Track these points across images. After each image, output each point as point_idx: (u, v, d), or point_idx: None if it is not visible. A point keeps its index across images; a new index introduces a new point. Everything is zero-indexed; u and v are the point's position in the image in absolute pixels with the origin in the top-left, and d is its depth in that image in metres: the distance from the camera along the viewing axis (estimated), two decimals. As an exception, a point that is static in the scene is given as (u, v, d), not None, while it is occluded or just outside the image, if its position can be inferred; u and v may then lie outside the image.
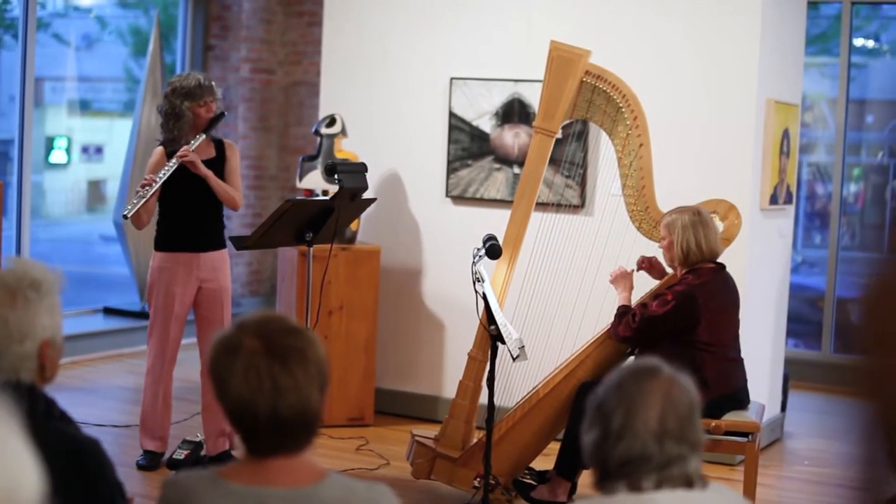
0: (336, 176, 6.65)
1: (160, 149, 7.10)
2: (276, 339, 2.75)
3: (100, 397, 8.74)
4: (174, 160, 6.86)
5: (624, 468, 2.65)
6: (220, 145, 7.19)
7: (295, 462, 2.79)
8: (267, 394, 2.71)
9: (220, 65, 11.54)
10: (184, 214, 7.06)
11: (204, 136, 7.01)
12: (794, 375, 9.31)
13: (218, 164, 7.11)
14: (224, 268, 7.19)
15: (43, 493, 1.84)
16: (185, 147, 6.90)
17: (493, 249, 6.40)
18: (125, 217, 6.80)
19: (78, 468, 3.00)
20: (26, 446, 1.84)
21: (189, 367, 7.88)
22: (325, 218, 6.66)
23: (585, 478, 6.64)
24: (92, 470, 3.05)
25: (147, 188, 6.79)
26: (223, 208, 7.15)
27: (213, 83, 7.12)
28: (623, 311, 6.48)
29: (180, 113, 6.99)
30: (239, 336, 2.77)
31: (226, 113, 7.24)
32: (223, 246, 7.19)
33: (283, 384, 2.72)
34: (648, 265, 6.84)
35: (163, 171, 6.85)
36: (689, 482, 2.68)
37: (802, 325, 11.29)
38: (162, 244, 7.13)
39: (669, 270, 6.73)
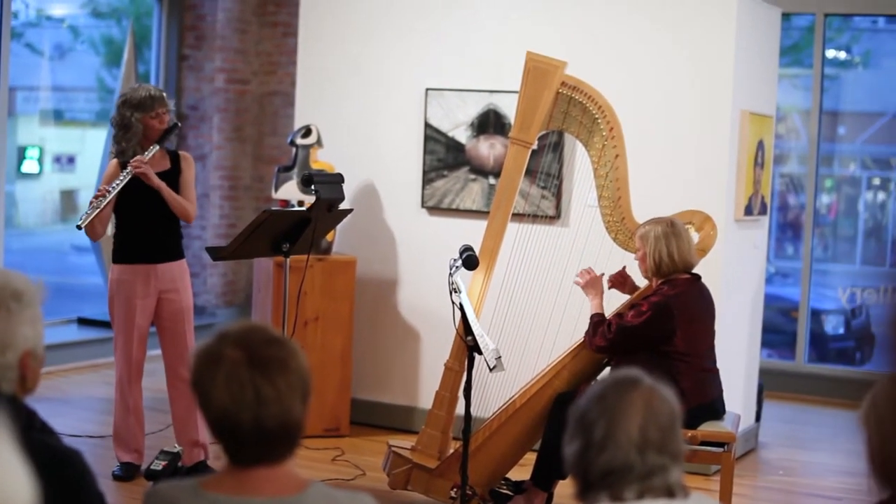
0: (313, 186, 6.65)
1: (114, 161, 7.08)
2: (258, 350, 2.74)
3: (74, 408, 8.72)
4: (127, 170, 6.84)
5: (606, 479, 2.65)
6: (175, 157, 7.17)
7: (277, 472, 2.79)
8: (249, 405, 2.70)
9: (194, 75, 11.52)
10: (140, 226, 7.03)
11: (157, 148, 6.99)
12: (768, 385, 9.35)
13: (173, 175, 7.08)
14: (184, 279, 7.17)
15: (35, 501, 1.84)
16: (138, 158, 6.88)
17: (469, 260, 6.40)
18: (78, 227, 6.78)
19: (60, 479, 2.98)
20: (18, 456, 1.84)
21: (160, 377, 7.84)
22: (301, 228, 6.66)
23: (562, 488, 6.65)
24: (74, 481, 3.03)
25: (100, 199, 6.78)
26: (180, 219, 7.12)
27: (164, 94, 7.10)
28: (598, 321, 6.49)
29: (129, 124, 6.96)
30: (220, 346, 2.75)
31: (179, 124, 7.21)
32: (181, 256, 7.18)
33: (265, 395, 2.70)
34: (620, 280, 6.85)
35: (116, 182, 6.83)
36: (670, 492, 2.68)
37: (776, 335, 11.33)
38: (119, 256, 7.11)
39: (641, 285, 6.75)
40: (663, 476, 2.67)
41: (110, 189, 6.81)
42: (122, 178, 6.84)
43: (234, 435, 2.74)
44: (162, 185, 6.92)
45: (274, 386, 2.71)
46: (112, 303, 7.11)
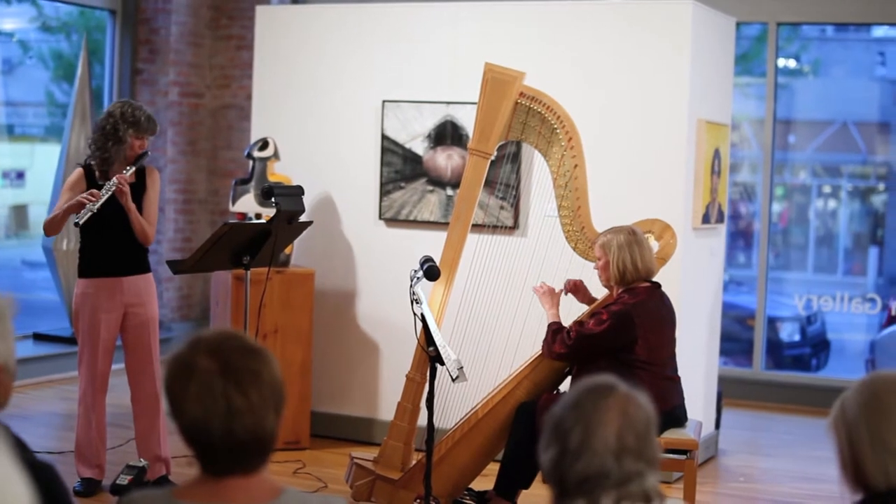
0: (273, 199, 6.63)
1: (80, 170, 7.04)
2: (232, 360, 2.71)
3: (33, 424, 8.66)
4: (111, 183, 6.79)
5: (582, 486, 2.65)
6: (140, 172, 7.13)
7: (251, 480, 2.78)
8: (221, 416, 2.68)
9: (148, 88, 11.48)
10: (106, 240, 6.99)
11: (133, 170, 6.96)
12: (726, 393, 9.40)
13: (137, 191, 7.05)
14: (150, 293, 7.15)
15: None
16: (122, 175, 6.84)
17: (431, 271, 6.40)
18: (76, 225, 6.72)
19: (34, 493, 2.97)
20: (14, 464, 1.84)
21: (122, 392, 7.80)
22: (261, 241, 6.65)
23: (525, 498, 6.66)
24: (49, 494, 3.02)
25: (92, 203, 6.70)
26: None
27: (157, 125, 7.12)
28: (556, 328, 6.51)
29: (122, 139, 6.93)
30: (193, 355, 2.73)
31: (149, 153, 7.17)
32: (147, 270, 7.15)
33: (237, 407, 2.68)
34: (574, 288, 6.86)
35: (105, 190, 6.77)
36: (647, 499, 2.68)
37: (732, 343, 11.40)
38: (85, 270, 7.07)
39: (596, 294, 6.77)
40: (640, 482, 2.67)
41: (102, 194, 6.74)
42: (110, 185, 6.78)
43: (206, 446, 2.73)
44: (132, 208, 6.88)
45: (247, 398, 2.69)
46: (77, 317, 7.07)
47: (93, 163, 7.02)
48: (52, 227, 6.92)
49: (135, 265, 7.07)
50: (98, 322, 6.99)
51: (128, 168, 6.92)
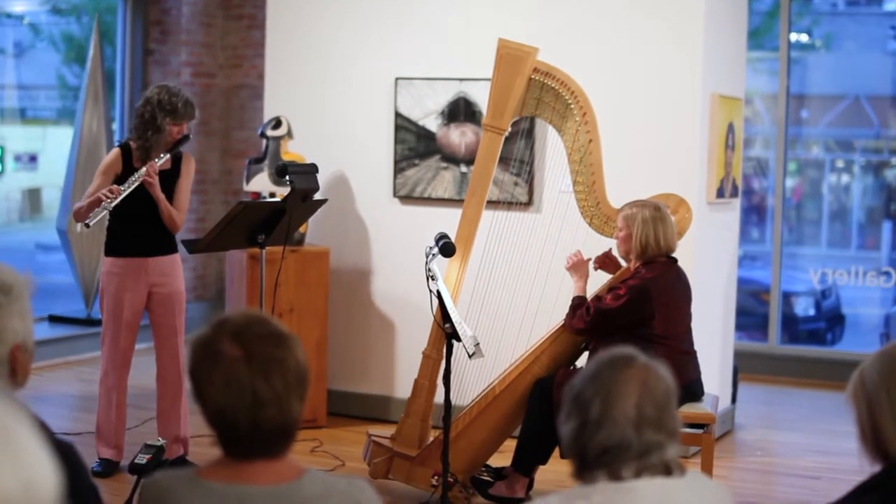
0: (287, 177, 6.63)
1: (116, 151, 7.03)
2: (258, 348, 2.69)
3: (49, 405, 8.67)
4: (139, 173, 6.79)
5: (603, 457, 2.65)
6: (177, 159, 7.13)
7: (274, 462, 2.76)
8: (247, 406, 2.66)
9: (160, 69, 11.48)
10: (134, 219, 6.99)
11: (168, 156, 6.95)
12: (742, 367, 9.39)
13: (171, 177, 7.05)
14: (176, 272, 7.13)
15: (60, 488, 1.83)
16: (152, 164, 6.83)
17: (446, 247, 6.40)
18: (87, 227, 6.73)
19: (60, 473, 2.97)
20: (40, 442, 1.84)
21: (140, 372, 7.82)
22: (276, 220, 6.64)
23: (542, 473, 6.67)
24: (68, 474, 3.01)
25: (110, 201, 6.71)
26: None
27: (196, 108, 7.09)
28: (577, 304, 6.51)
29: (161, 127, 6.91)
30: (218, 340, 2.70)
31: (190, 136, 7.17)
32: (174, 251, 7.14)
33: (263, 396, 2.66)
34: (605, 261, 6.87)
35: (127, 184, 6.77)
36: (667, 469, 2.69)
37: (747, 317, 11.39)
38: (111, 249, 7.07)
39: (623, 264, 6.76)
40: (660, 453, 2.67)
41: (122, 189, 6.75)
42: (133, 180, 6.78)
43: (230, 432, 2.71)
44: (161, 198, 6.89)
45: (272, 387, 2.67)
46: (102, 295, 7.08)
47: (133, 145, 7.00)
48: (79, 217, 6.92)
49: (161, 246, 7.07)
50: (122, 301, 6.99)
51: (161, 156, 6.91)
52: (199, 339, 2.75)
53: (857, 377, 2.97)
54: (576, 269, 6.71)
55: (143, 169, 6.81)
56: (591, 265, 6.78)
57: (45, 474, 1.81)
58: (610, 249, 6.88)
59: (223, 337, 2.72)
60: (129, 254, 7.02)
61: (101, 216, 6.70)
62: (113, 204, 6.69)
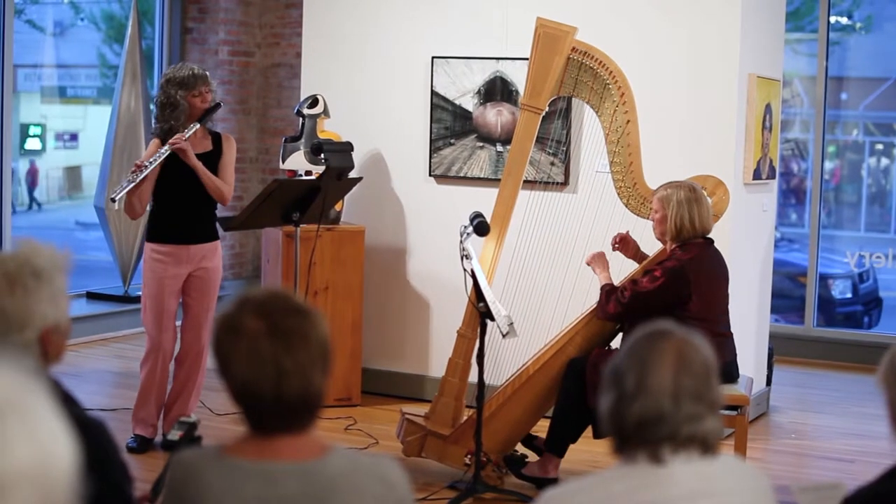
0: (322, 155, 6.65)
1: (156, 140, 7.05)
2: (280, 320, 2.72)
3: (86, 381, 8.72)
4: (166, 147, 6.82)
5: (640, 430, 2.63)
6: (217, 139, 7.16)
7: (299, 438, 2.78)
8: (270, 378, 2.68)
9: (198, 48, 11.50)
10: (177, 206, 7.02)
11: (198, 126, 6.97)
12: (777, 350, 9.36)
13: (214, 157, 7.08)
14: (215, 256, 7.16)
15: (77, 464, 1.84)
16: (178, 135, 6.86)
17: (481, 226, 6.40)
18: (112, 200, 6.78)
19: (84, 448, 2.99)
20: (59, 418, 1.84)
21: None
22: (311, 198, 6.66)
23: (575, 453, 6.66)
24: (98, 450, 3.03)
25: (136, 174, 6.75)
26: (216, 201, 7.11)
27: (207, 73, 7.10)
28: (610, 289, 6.48)
29: (176, 102, 6.95)
30: (241, 315, 2.73)
31: (221, 104, 7.19)
32: (215, 238, 7.16)
33: (286, 368, 2.69)
34: (622, 242, 6.83)
35: (154, 157, 6.81)
36: (705, 444, 2.67)
37: (783, 300, 11.35)
38: (154, 235, 7.10)
39: (644, 248, 6.74)
40: (699, 424, 2.65)
41: (147, 164, 6.79)
42: (160, 153, 6.82)
43: (255, 406, 2.73)
44: (198, 165, 6.91)
45: (295, 359, 2.69)
46: (145, 281, 7.11)
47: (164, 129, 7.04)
48: (128, 210, 6.97)
49: (204, 233, 7.10)
50: (163, 287, 7.03)
51: (191, 126, 6.93)
52: (222, 315, 2.79)
53: (889, 361, 2.95)
54: (596, 263, 6.68)
55: (165, 147, 6.83)
56: (610, 252, 6.76)
57: (62, 449, 1.81)
58: (627, 233, 6.84)
59: (245, 312, 2.74)
60: (171, 240, 7.04)
61: (127, 190, 6.74)
62: (140, 177, 6.72)
